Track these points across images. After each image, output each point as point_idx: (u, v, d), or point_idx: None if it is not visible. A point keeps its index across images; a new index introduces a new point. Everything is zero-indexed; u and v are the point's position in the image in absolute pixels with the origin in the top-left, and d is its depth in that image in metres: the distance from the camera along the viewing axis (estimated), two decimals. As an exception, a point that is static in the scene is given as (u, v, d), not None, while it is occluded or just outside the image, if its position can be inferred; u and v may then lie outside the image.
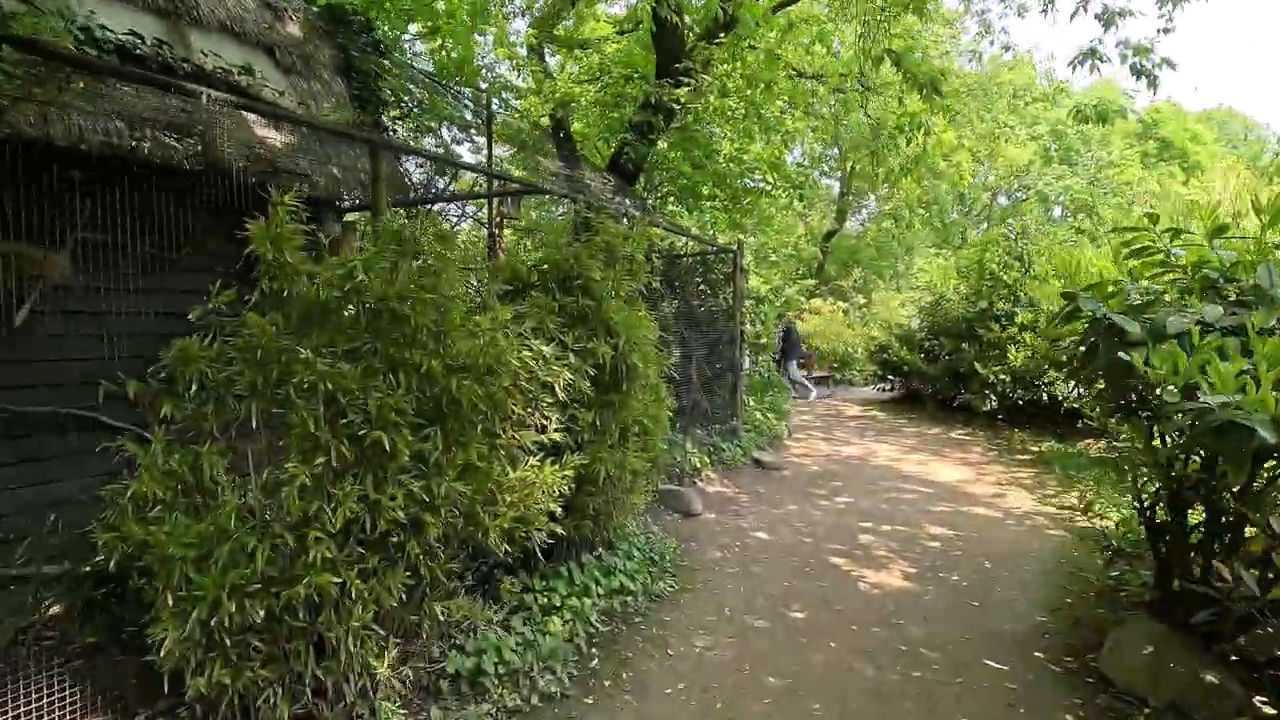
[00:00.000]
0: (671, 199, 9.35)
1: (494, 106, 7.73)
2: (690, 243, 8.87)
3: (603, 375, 3.63)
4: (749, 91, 8.28)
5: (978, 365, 10.46)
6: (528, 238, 9.96)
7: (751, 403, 9.91)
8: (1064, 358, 4.16)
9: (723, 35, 7.74)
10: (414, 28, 8.91)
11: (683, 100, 8.06)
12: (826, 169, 21.78)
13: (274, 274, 2.55)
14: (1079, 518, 6.03)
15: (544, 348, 2.93)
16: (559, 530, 3.20)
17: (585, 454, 3.58)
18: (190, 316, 2.51)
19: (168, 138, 3.59)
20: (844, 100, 11.14)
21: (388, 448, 2.38)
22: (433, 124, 7.67)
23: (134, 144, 3.40)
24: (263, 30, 5.49)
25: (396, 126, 6.86)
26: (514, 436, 2.77)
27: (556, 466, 3.03)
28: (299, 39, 5.72)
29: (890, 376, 14.00)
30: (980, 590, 4.40)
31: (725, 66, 8.17)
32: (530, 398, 2.88)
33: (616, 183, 8.93)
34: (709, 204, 10.44)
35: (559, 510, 3.16)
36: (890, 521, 5.95)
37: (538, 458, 2.99)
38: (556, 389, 2.91)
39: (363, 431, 2.39)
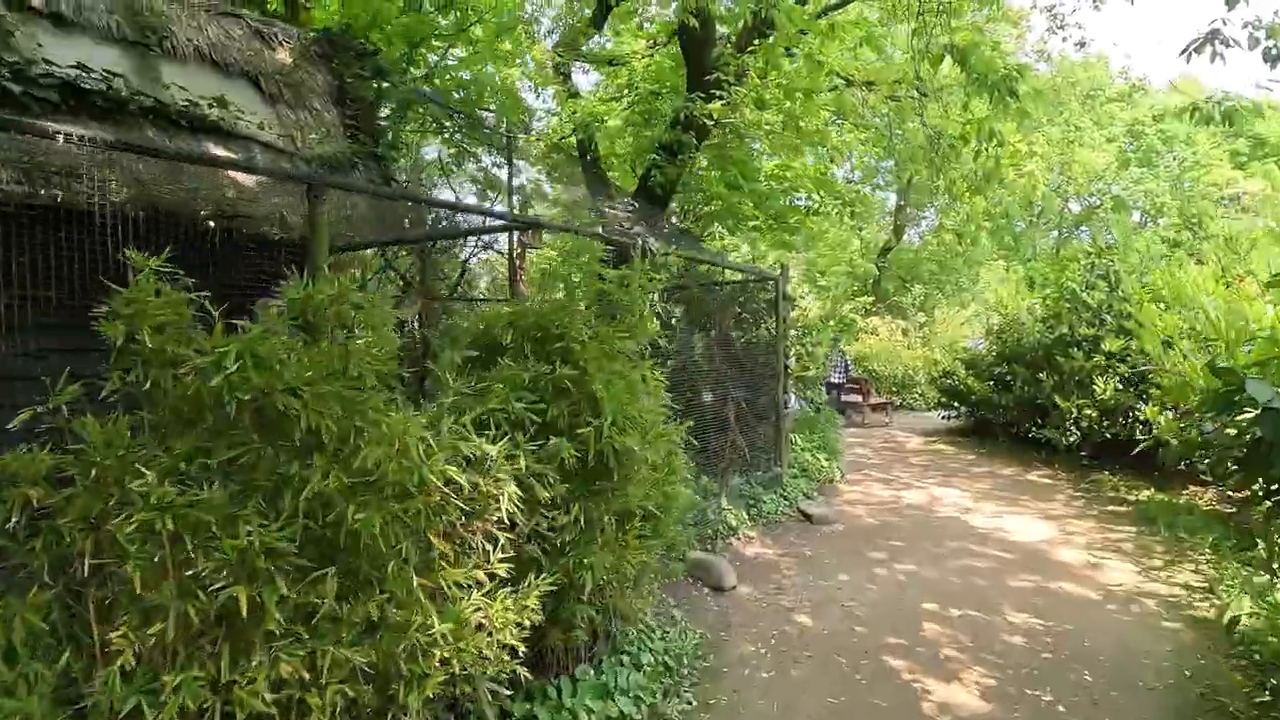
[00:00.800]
0: (713, 222, 8.63)
1: (514, 131, 7.19)
2: (728, 270, 8.12)
3: (588, 460, 2.93)
4: (788, 103, 7.52)
5: (1058, 398, 9.29)
6: (568, 263, 9.40)
7: (799, 442, 9.02)
8: (1206, 445, 3.22)
9: (757, 43, 7.02)
10: (445, 53, 8.53)
11: (715, 115, 7.36)
12: (882, 182, 20.68)
13: (127, 362, 1.95)
14: (1200, 601, 4.95)
15: (490, 447, 2.25)
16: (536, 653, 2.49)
17: (568, 558, 2.88)
18: (11, 425, 1.93)
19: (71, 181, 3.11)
20: (898, 108, 10.24)
21: (250, 608, 1.73)
22: (448, 150, 7.19)
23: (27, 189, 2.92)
24: (247, 58, 5.07)
25: (397, 156, 6.41)
26: (444, 572, 2.09)
27: (515, 595, 2.34)
28: (288, 66, 5.28)
29: (956, 405, 12.82)
30: None
31: (762, 78, 7.44)
32: (469, 517, 2.20)
33: (642, 208, 8.28)
34: (751, 226, 9.69)
35: (531, 633, 2.47)
36: (961, 603, 5.00)
37: (489, 587, 2.30)
38: (503, 502, 2.22)
39: (220, 584, 1.75)
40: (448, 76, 6.70)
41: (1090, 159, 17.04)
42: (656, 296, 7.65)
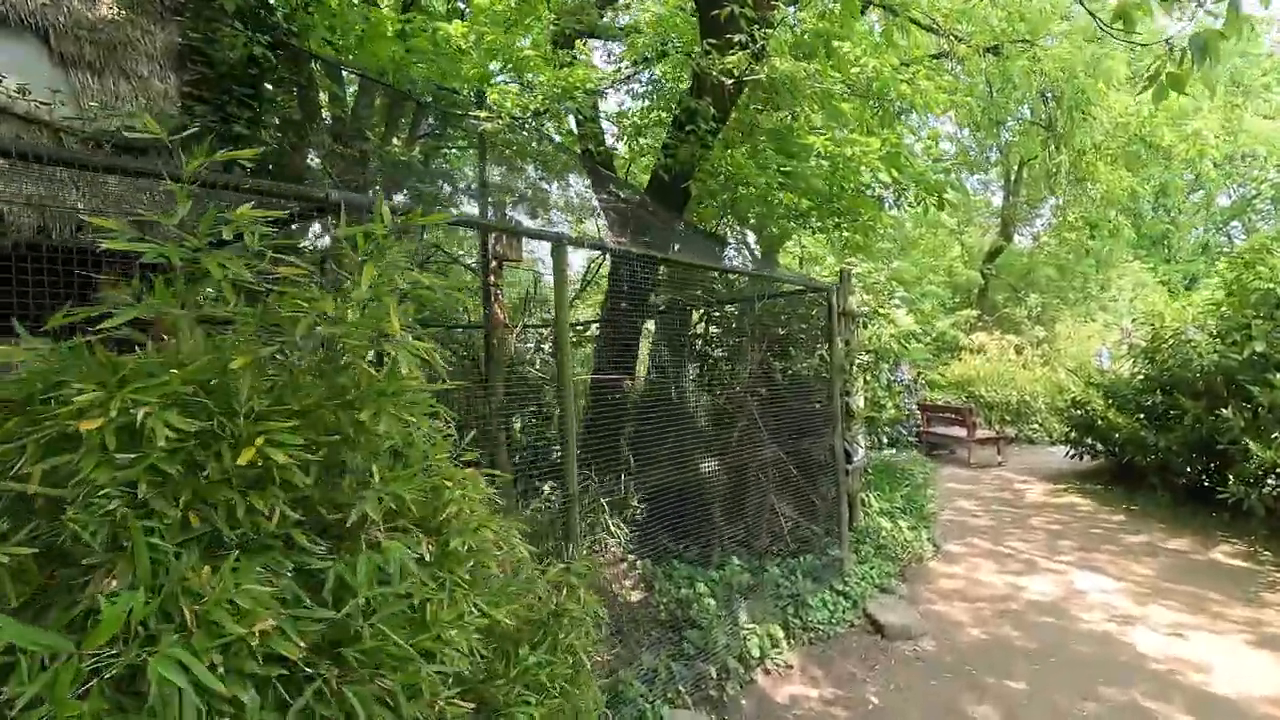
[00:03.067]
0: (730, 214, 6.65)
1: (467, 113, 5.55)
2: (762, 281, 6.13)
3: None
4: (841, 48, 5.51)
5: (1252, 442, 6.58)
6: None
7: (872, 503, 6.80)
8: None
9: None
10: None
11: (736, 71, 5.45)
12: (985, 174, 17.81)
13: None
14: None
15: None
16: None
17: None
18: None
19: None
20: (1002, 64, 7.91)
21: None
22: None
23: None
24: (38, 8, 3.70)
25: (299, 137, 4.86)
26: None
27: None
28: (106, 21, 3.88)
29: (1091, 443, 10.01)
30: None
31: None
32: None
33: (655, 205, 6.44)
34: (808, 224, 7.63)
35: None
36: None
37: None
38: None
39: None
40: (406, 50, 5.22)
41: (1263, 129, 13.57)
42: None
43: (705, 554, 5.67)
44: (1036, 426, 14.40)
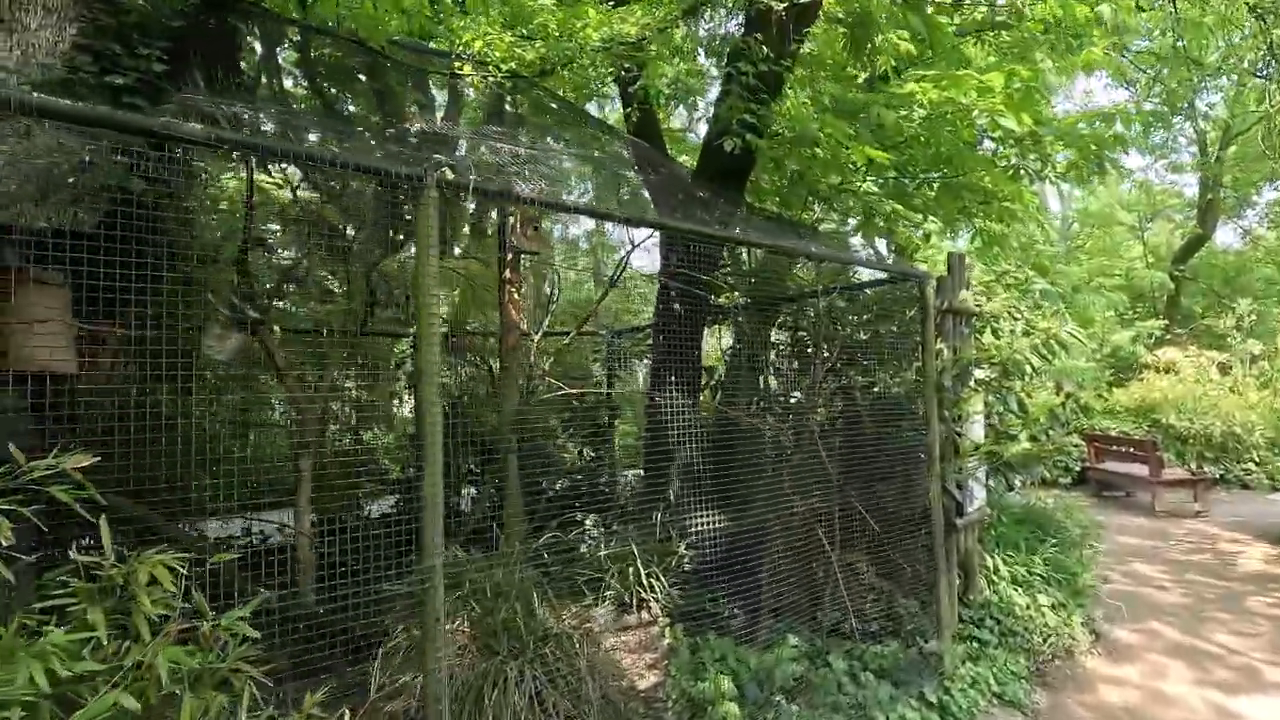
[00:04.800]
0: (820, 193, 5.23)
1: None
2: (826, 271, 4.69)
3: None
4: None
5: None
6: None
7: (1001, 568, 5.03)
8: None
9: None
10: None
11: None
12: (1171, 141, 14.69)
13: None
14: None
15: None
16: None
17: None
18: None
19: None
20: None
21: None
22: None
23: None
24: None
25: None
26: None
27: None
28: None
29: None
30: None
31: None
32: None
33: (704, 184, 5.21)
34: (906, 199, 6.05)
35: None
36: None
37: None
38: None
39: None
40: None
41: None
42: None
43: (755, 624, 4.31)
44: (1251, 466, 11.23)
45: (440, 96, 5.63)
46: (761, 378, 4.61)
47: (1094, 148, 5.70)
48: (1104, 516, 8.90)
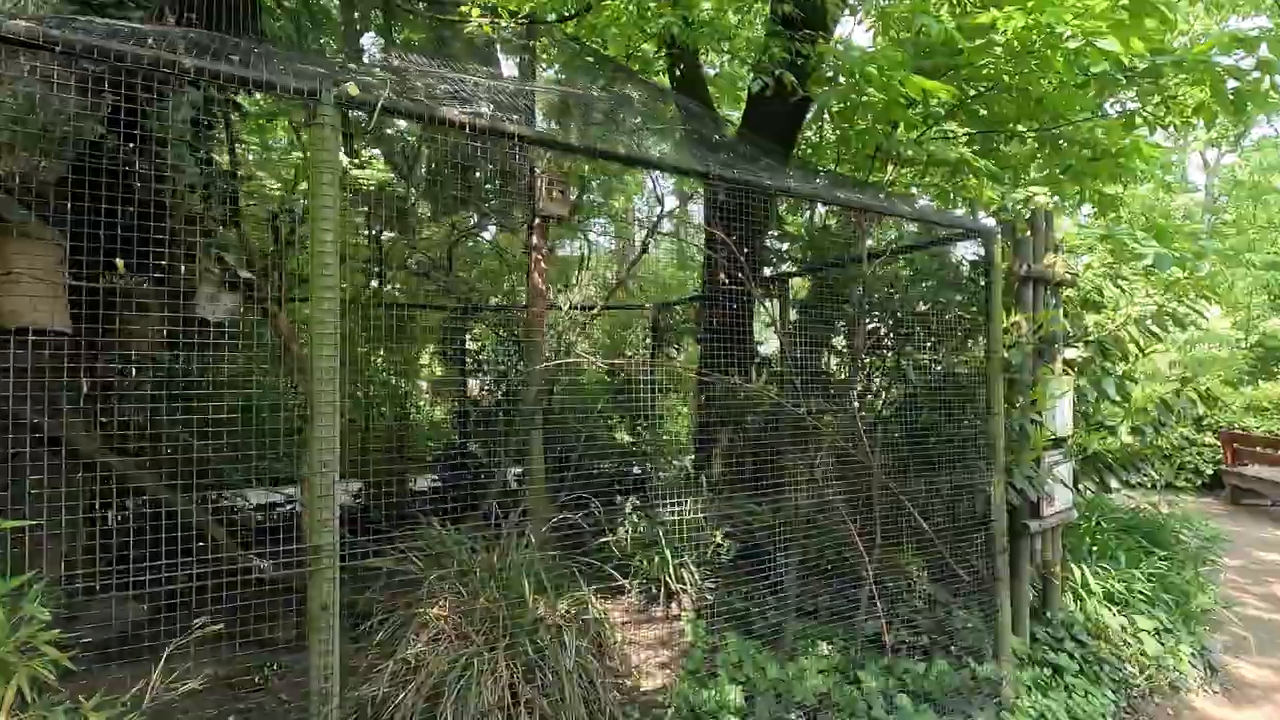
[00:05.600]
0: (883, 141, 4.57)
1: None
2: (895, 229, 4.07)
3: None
4: None
5: None
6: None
7: (1089, 581, 4.27)
8: None
9: None
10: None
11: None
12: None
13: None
14: None
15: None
16: None
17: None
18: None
19: None
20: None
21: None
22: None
23: None
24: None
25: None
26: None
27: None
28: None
29: None
30: None
31: None
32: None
33: (750, 141, 4.70)
34: (992, 150, 5.29)
35: None
36: None
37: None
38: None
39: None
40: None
41: None
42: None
43: (782, 626, 3.86)
44: None
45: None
46: (799, 350, 4.09)
47: (1232, 85, 4.69)
48: (1239, 528, 7.64)
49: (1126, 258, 4.70)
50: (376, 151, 4.94)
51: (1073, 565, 4.31)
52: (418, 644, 2.95)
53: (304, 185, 4.19)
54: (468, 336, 5.53)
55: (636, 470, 5.52)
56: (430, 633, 2.99)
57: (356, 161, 4.16)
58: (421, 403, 5.81)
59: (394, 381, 5.07)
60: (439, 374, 5.89)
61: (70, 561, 2.95)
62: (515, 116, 2.25)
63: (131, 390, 3.56)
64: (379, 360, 4.92)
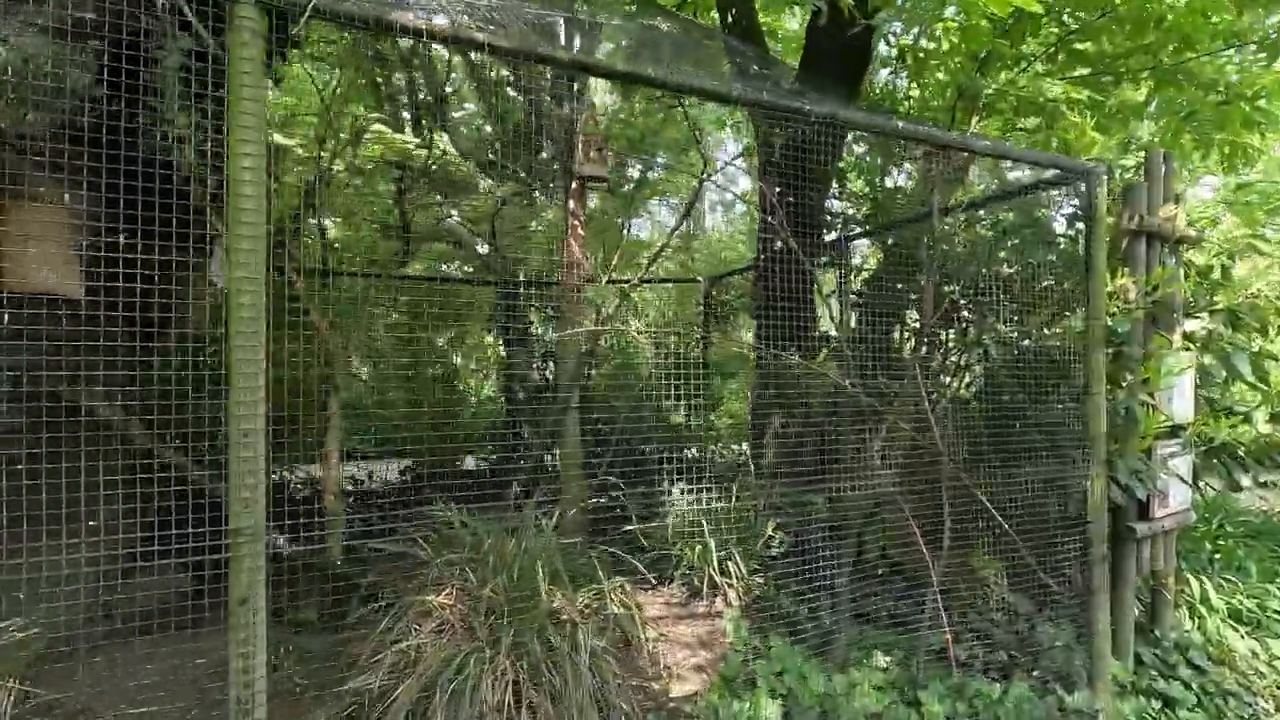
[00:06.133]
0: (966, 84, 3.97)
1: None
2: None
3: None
4: None
5: None
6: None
7: (1211, 597, 3.60)
8: None
9: None
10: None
11: None
12: None
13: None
14: None
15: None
16: None
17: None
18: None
19: None
20: None
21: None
22: None
23: None
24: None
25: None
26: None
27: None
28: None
29: None
30: None
31: None
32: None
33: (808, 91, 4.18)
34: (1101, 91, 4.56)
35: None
36: None
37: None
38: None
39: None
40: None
41: None
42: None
43: (834, 632, 3.43)
44: None
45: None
46: (863, 325, 3.60)
47: None
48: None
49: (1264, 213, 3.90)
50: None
51: (1189, 577, 3.65)
52: (421, 634, 2.72)
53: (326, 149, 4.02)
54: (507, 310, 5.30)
55: (683, 454, 5.15)
56: (434, 623, 2.76)
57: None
58: (434, 372, 5.63)
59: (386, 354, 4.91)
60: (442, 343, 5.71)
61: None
62: (493, 28, 1.91)
63: (156, 358, 3.48)
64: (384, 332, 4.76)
